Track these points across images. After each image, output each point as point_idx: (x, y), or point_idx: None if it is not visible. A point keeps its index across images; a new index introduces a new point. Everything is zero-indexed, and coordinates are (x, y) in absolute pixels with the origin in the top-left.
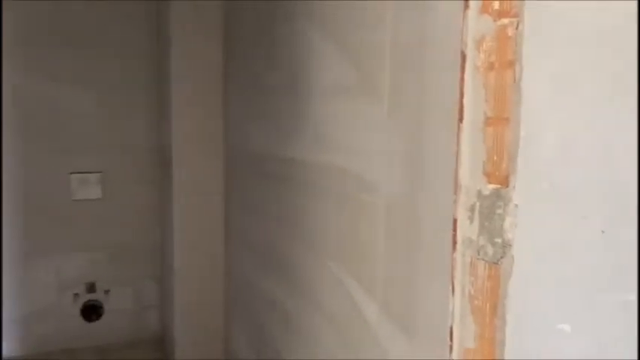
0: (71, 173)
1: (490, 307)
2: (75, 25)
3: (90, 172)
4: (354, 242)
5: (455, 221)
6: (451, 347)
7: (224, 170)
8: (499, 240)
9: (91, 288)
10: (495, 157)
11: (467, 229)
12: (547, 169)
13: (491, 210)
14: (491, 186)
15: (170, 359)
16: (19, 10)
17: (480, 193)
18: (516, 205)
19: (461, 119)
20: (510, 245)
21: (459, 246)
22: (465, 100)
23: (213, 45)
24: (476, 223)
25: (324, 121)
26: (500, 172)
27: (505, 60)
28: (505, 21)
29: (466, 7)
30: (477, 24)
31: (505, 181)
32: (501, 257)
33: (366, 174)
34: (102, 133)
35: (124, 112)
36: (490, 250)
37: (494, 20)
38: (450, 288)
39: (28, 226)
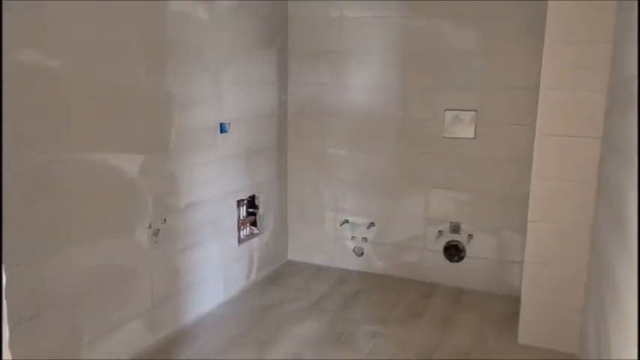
0: (446, 110)
1: None
2: None
3: (464, 110)
4: None
5: None
6: None
7: (607, 107)
8: None
9: (455, 229)
10: None
11: None
12: None
13: None
14: None
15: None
16: None
17: None
18: None
19: None
20: None
21: None
22: None
23: None
24: None
25: None
26: None
27: None
28: None
29: None
30: None
31: None
32: None
33: None
34: (480, 71)
35: (504, 51)
36: None
37: None
38: None
39: (404, 160)
